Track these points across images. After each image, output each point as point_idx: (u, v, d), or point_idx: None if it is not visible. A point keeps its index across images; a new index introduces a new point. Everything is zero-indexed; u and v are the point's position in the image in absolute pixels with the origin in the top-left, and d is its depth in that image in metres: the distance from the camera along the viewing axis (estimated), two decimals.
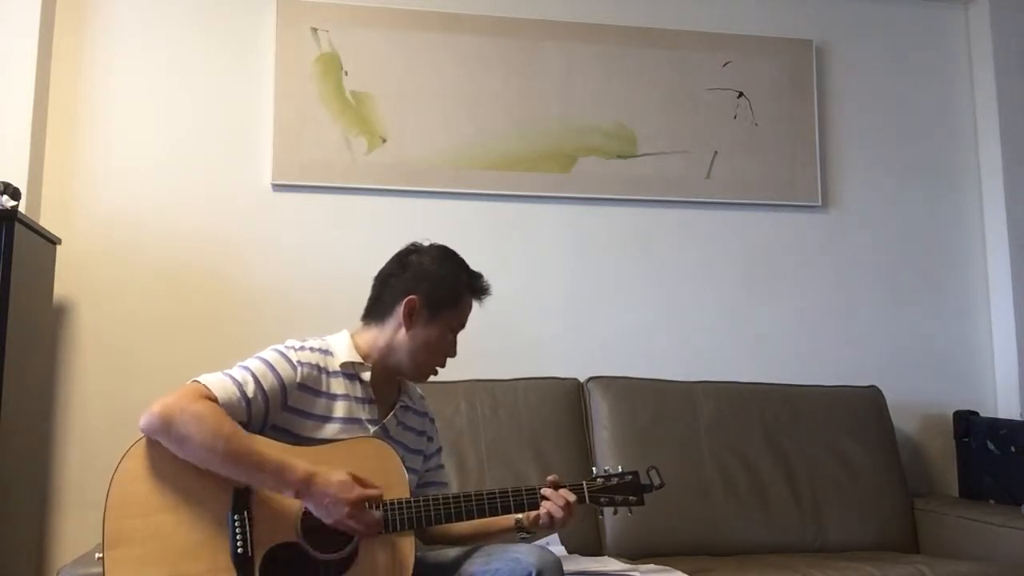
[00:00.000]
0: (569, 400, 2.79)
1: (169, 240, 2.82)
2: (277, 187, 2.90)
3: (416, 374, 1.85)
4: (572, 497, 1.77)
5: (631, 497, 1.84)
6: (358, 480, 1.62)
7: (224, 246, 2.85)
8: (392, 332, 1.81)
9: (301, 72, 2.93)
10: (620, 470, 1.87)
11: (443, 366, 1.87)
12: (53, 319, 2.70)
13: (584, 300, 3.06)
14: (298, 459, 1.60)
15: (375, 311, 1.85)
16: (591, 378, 2.87)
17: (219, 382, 1.64)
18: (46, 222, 2.69)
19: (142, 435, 1.60)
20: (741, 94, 3.21)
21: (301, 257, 2.90)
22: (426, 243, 1.89)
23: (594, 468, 1.91)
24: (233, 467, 1.57)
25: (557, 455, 2.67)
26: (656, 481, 1.86)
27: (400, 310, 1.79)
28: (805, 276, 3.21)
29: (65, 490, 2.69)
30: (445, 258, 1.85)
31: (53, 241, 2.61)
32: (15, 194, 2.35)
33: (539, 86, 3.08)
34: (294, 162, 2.89)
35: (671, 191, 3.13)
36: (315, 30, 2.95)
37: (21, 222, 2.34)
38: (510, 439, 2.66)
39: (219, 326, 2.80)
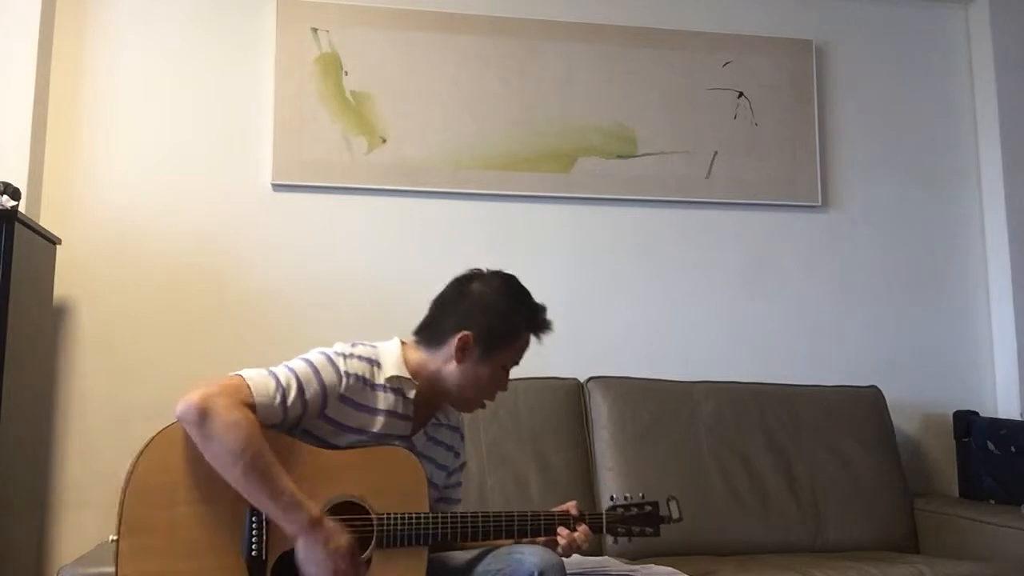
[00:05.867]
0: (569, 400, 2.79)
1: (169, 240, 2.82)
2: (277, 187, 2.91)
3: (462, 407, 1.82)
4: (590, 534, 1.77)
5: (648, 528, 1.83)
6: (354, 554, 1.58)
7: (224, 246, 2.85)
8: (442, 362, 1.75)
9: (301, 72, 2.93)
10: (642, 497, 1.84)
11: (492, 400, 1.81)
12: (53, 319, 2.70)
13: (584, 300, 3.05)
14: (312, 502, 1.56)
15: (428, 334, 1.78)
16: (591, 378, 2.87)
17: (262, 382, 1.61)
18: (46, 222, 2.69)
19: (175, 421, 1.56)
20: (741, 94, 3.21)
21: (301, 257, 2.89)
22: (488, 271, 1.81)
23: (612, 496, 1.87)
24: (247, 485, 1.53)
25: (557, 455, 2.67)
26: (675, 514, 1.83)
27: (453, 343, 1.72)
28: (805, 276, 3.21)
29: (65, 490, 2.69)
30: (506, 292, 1.78)
31: (53, 241, 2.61)
32: (15, 194, 2.35)
33: (539, 86, 3.08)
34: (294, 162, 2.89)
35: (671, 191, 3.13)
36: (315, 30, 2.95)
37: (21, 222, 2.33)
38: (510, 439, 2.66)
39: (219, 326, 2.80)
